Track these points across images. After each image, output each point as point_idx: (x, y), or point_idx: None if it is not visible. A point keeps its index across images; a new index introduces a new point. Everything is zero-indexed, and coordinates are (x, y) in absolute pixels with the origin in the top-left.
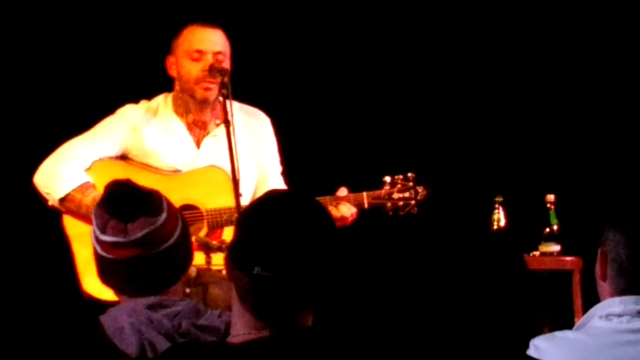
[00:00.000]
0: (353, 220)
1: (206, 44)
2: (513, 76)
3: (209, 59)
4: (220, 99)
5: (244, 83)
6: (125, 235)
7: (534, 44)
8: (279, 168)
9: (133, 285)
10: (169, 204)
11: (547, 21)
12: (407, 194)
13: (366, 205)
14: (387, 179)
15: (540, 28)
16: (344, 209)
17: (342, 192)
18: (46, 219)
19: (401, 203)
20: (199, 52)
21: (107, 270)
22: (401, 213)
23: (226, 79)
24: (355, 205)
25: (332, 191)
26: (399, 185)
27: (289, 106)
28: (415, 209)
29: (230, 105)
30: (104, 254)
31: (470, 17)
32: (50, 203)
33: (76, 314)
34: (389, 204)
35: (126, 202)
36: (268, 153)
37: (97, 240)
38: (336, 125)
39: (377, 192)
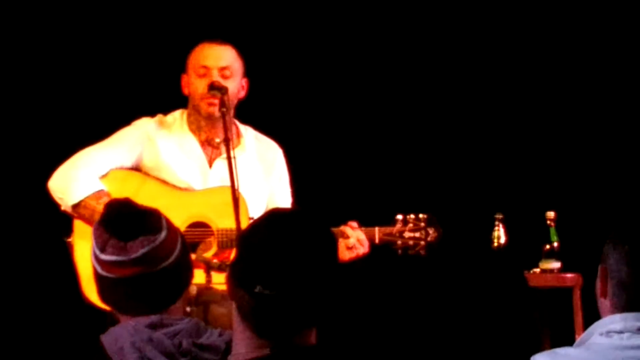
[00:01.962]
0: (365, 253)
1: (211, 60)
2: (513, 94)
3: (214, 74)
4: (230, 117)
5: (259, 112)
6: (125, 254)
7: (532, 61)
8: (289, 199)
9: (133, 304)
10: (169, 223)
11: (547, 37)
12: (417, 234)
13: (377, 240)
14: (399, 217)
15: (542, 42)
16: (357, 234)
17: (353, 225)
18: (57, 229)
19: (411, 242)
20: (205, 67)
21: (107, 290)
22: (410, 252)
23: (225, 97)
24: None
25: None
26: (410, 224)
27: (306, 138)
28: (424, 250)
29: (232, 124)
30: (104, 273)
31: (470, 39)
32: (62, 208)
33: (79, 323)
34: (399, 242)
35: (125, 221)
36: (279, 183)
37: (97, 259)
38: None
39: (389, 229)
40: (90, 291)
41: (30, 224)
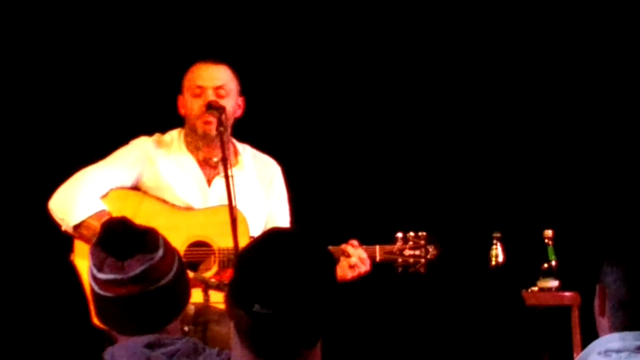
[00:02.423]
0: (366, 272)
1: (206, 79)
2: (511, 113)
3: (209, 94)
4: (228, 136)
5: (256, 130)
6: (123, 272)
7: (530, 79)
8: (288, 217)
9: (130, 324)
10: (166, 242)
11: (543, 48)
12: (417, 252)
13: (377, 259)
14: (399, 235)
15: (536, 55)
16: (359, 252)
17: (354, 243)
18: (58, 243)
19: (412, 260)
20: (200, 87)
21: (104, 309)
22: (410, 270)
23: (223, 117)
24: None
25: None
26: (410, 242)
27: (305, 156)
28: (424, 268)
29: (229, 143)
30: (101, 292)
31: (466, 57)
32: (63, 229)
33: (76, 343)
34: (399, 260)
35: (122, 240)
36: (278, 201)
37: (95, 279)
38: (331, 178)
39: (389, 247)
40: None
41: (33, 243)
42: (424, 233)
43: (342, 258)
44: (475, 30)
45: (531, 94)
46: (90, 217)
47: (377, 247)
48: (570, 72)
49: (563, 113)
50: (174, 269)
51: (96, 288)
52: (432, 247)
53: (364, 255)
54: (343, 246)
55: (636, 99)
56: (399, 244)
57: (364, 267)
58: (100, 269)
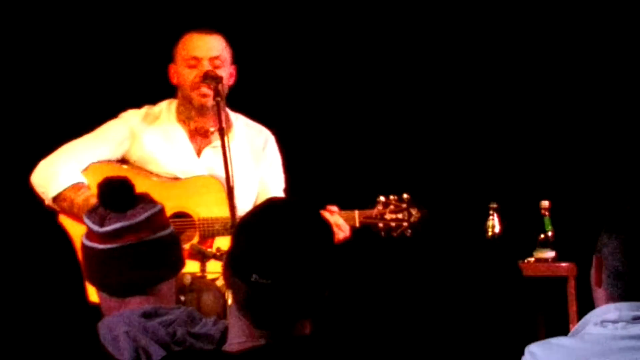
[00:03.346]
0: (346, 237)
1: (201, 50)
2: (507, 83)
3: (205, 65)
4: (224, 105)
5: (245, 96)
6: (129, 220)
7: (526, 49)
8: (281, 184)
9: (128, 278)
10: (160, 206)
11: (540, 23)
12: (400, 215)
13: (357, 224)
14: (382, 198)
15: (532, 31)
16: (337, 219)
17: (333, 209)
18: (50, 221)
19: (393, 224)
20: (195, 58)
21: (104, 265)
22: (394, 234)
23: (220, 87)
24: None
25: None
26: (391, 206)
27: (288, 122)
28: (409, 231)
29: (224, 113)
30: (104, 246)
31: (463, 24)
32: (46, 203)
33: (79, 319)
34: (380, 224)
35: (123, 193)
36: (270, 169)
37: (96, 236)
38: (324, 143)
39: (368, 212)
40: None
41: (27, 224)
42: (407, 195)
43: None
44: (469, 11)
45: (528, 63)
46: (67, 188)
47: (356, 212)
48: (567, 44)
49: (559, 83)
50: (171, 227)
51: (97, 245)
52: (415, 209)
53: (340, 221)
54: (321, 212)
55: (634, 72)
56: (379, 207)
57: (342, 234)
58: (102, 224)
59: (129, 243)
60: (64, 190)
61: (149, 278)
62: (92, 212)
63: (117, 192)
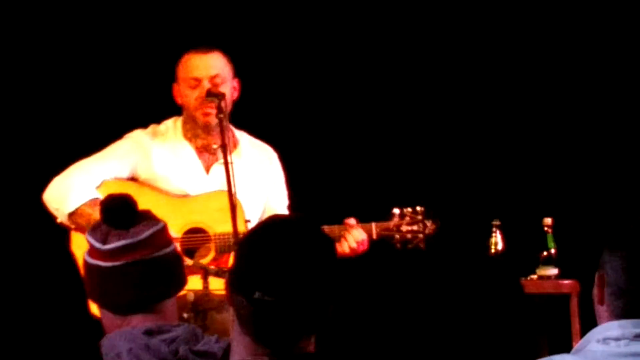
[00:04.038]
0: (364, 250)
1: (201, 70)
2: (510, 101)
3: (206, 84)
4: (227, 122)
5: (252, 111)
6: (132, 237)
7: (527, 69)
8: (286, 202)
9: (131, 294)
10: (164, 225)
11: (544, 32)
12: (415, 227)
13: (374, 236)
14: (396, 211)
15: (538, 45)
16: (357, 234)
17: (351, 221)
18: (57, 238)
19: (409, 236)
20: (195, 79)
21: (106, 283)
22: (409, 246)
23: (222, 104)
24: None
25: (340, 222)
26: (407, 218)
27: (299, 136)
28: (423, 243)
29: (229, 130)
30: (107, 264)
31: (471, 35)
32: (59, 220)
33: (81, 333)
34: (397, 236)
35: (126, 211)
36: (275, 186)
37: (98, 253)
38: (335, 156)
39: (385, 224)
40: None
41: (31, 236)
42: (421, 208)
43: (342, 235)
44: (479, 16)
45: (531, 80)
46: (85, 204)
47: (373, 224)
48: (569, 61)
49: (562, 101)
50: (173, 245)
51: (100, 262)
52: (430, 221)
53: (362, 236)
54: (343, 225)
55: (635, 87)
56: (395, 219)
57: (362, 248)
58: (105, 242)
59: (131, 261)
60: (81, 205)
61: (152, 296)
62: (94, 229)
63: (120, 210)
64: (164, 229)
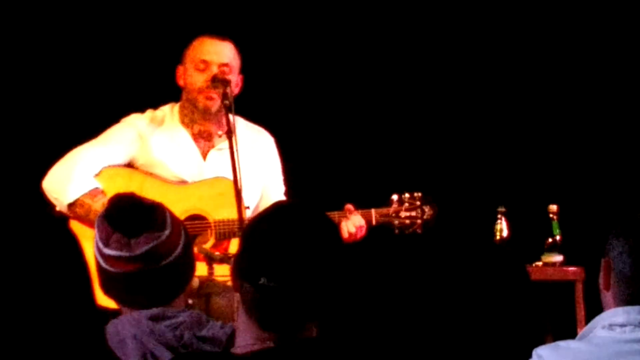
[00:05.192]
0: (362, 236)
1: (212, 55)
2: (515, 87)
3: (214, 70)
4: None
5: (251, 99)
6: (129, 250)
7: (533, 55)
8: (282, 187)
9: (135, 298)
10: (173, 217)
11: (548, 28)
12: (413, 213)
13: (374, 222)
14: (395, 197)
15: (539, 34)
16: (356, 220)
17: (350, 207)
18: (57, 225)
19: (408, 222)
20: (205, 62)
21: (109, 283)
22: (407, 232)
23: (228, 90)
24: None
25: (339, 208)
26: (406, 204)
27: (297, 122)
28: (421, 228)
29: (233, 116)
30: (106, 267)
31: (471, 28)
32: (58, 208)
33: (87, 321)
34: (396, 222)
35: (130, 216)
36: (271, 172)
37: (101, 253)
38: (335, 142)
39: (384, 210)
40: (99, 292)
41: (35, 227)
42: (419, 193)
43: (341, 222)
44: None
45: (536, 66)
46: (84, 195)
47: (373, 210)
48: (575, 45)
49: (568, 87)
50: (180, 245)
51: (102, 262)
52: (428, 207)
53: (360, 222)
54: (343, 212)
55: (637, 74)
56: (394, 206)
57: (360, 233)
58: (106, 244)
59: (129, 272)
60: (80, 196)
61: (152, 300)
62: (102, 221)
63: (124, 215)
64: (167, 239)
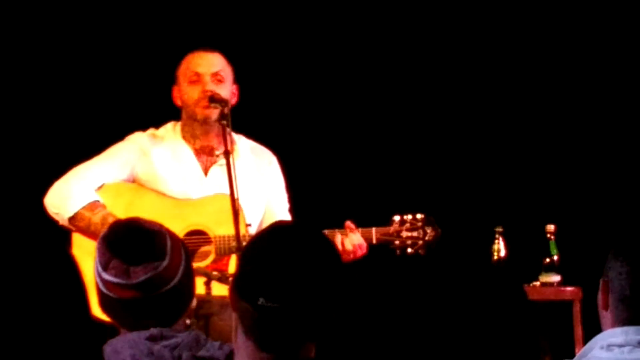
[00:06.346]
0: (363, 255)
1: (202, 66)
2: (512, 108)
3: (207, 80)
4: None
5: (252, 116)
6: (127, 278)
7: (531, 72)
8: (286, 205)
9: (133, 322)
10: (173, 243)
11: (547, 38)
12: (415, 234)
13: (374, 241)
14: (397, 217)
15: (542, 52)
16: (354, 238)
17: (351, 226)
18: (58, 239)
19: (409, 242)
20: (197, 74)
21: (107, 305)
22: (409, 253)
23: (226, 110)
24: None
25: (340, 227)
26: (407, 225)
27: (300, 141)
28: (423, 250)
29: (230, 135)
30: (104, 290)
31: (470, 51)
32: (60, 223)
33: (83, 336)
34: (397, 242)
35: (130, 243)
36: (275, 190)
37: (100, 276)
38: (337, 162)
39: (385, 229)
40: (95, 305)
41: (31, 238)
42: (422, 215)
43: (337, 241)
44: (482, 26)
45: (533, 86)
46: (84, 207)
47: (374, 229)
48: (571, 68)
49: (565, 107)
50: (180, 272)
51: (100, 285)
52: (430, 228)
53: (359, 240)
54: (343, 230)
55: (637, 94)
56: (395, 225)
57: (360, 252)
58: (105, 269)
59: (124, 298)
60: (80, 209)
61: (150, 324)
62: (103, 242)
63: (123, 242)
64: (165, 270)
